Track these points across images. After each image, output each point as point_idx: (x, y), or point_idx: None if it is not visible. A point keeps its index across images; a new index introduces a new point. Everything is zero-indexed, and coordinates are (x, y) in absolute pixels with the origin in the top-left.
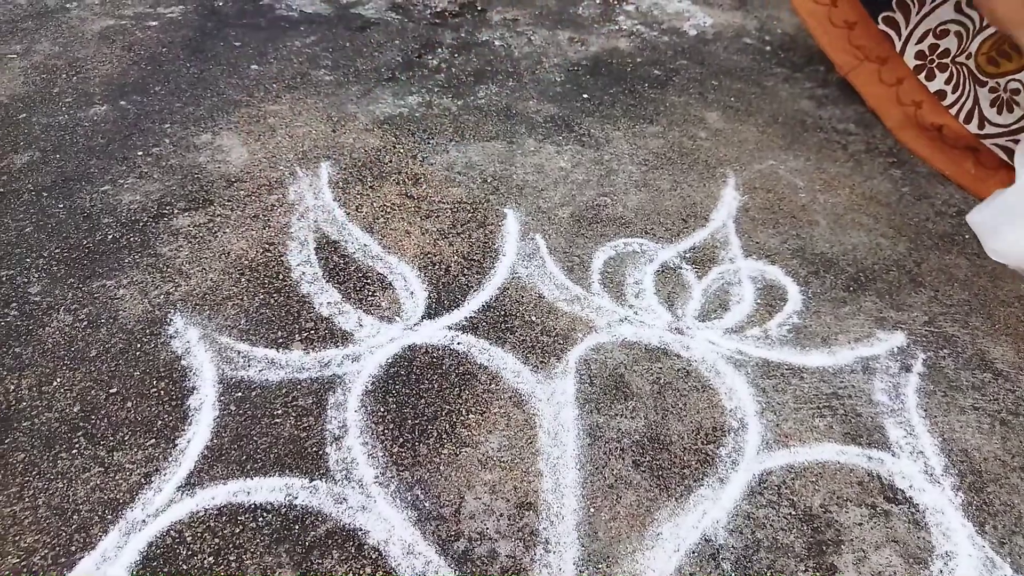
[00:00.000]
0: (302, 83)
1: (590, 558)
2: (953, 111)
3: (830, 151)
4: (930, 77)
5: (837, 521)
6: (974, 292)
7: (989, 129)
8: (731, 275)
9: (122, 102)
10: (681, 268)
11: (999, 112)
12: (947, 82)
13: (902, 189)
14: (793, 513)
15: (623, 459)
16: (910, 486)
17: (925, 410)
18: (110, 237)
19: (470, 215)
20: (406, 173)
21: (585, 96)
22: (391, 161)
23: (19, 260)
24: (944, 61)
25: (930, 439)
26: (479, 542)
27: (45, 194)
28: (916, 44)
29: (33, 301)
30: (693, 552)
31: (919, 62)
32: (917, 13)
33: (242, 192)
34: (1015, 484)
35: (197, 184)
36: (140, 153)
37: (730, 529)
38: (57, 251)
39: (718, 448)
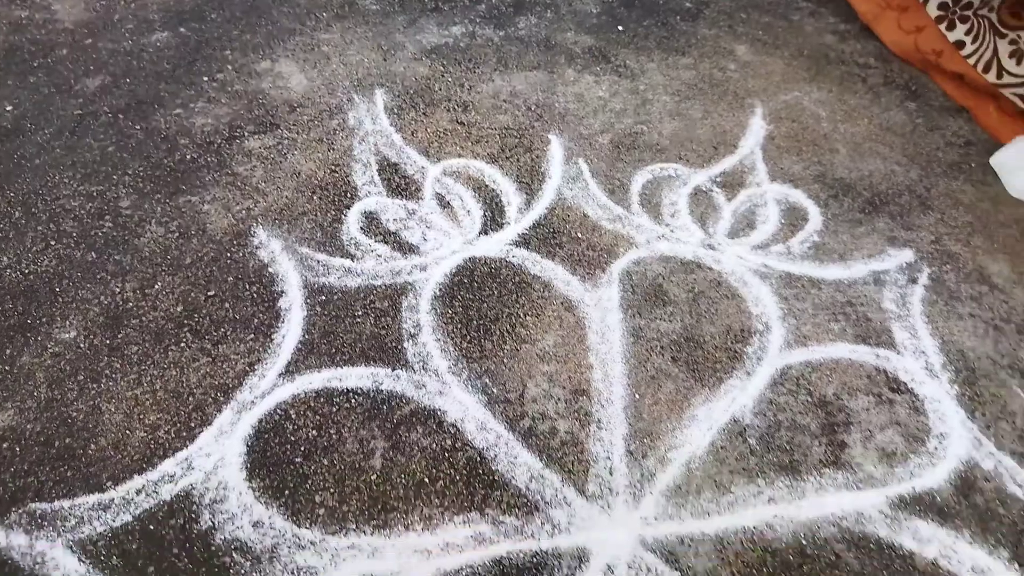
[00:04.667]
0: (350, 12)
1: (636, 434)
2: (971, 61)
3: (851, 84)
4: (951, 27)
5: (848, 407)
6: (977, 215)
7: (1008, 79)
8: (758, 198)
9: (181, 29)
10: (712, 191)
11: (1018, 63)
12: (967, 33)
13: (916, 120)
14: (810, 400)
15: (663, 355)
16: (912, 379)
17: (928, 316)
18: (188, 157)
19: (517, 140)
20: (455, 101)
21: (620, 28)
22: (441, 89)
23: (106, 176)
24: (966, 13)
25: (931, 341)
26: (541, 421)
27: (121, 116)
28: None
29: (125, 214)
30: (724, 430)
31: (941, 12)
32: None
33: (305, 117)
34: (1003, 379)
35: (263, 109)
36: (206, 79)
37: (755, 412)
38: (141, 169)
39: (745, 347)
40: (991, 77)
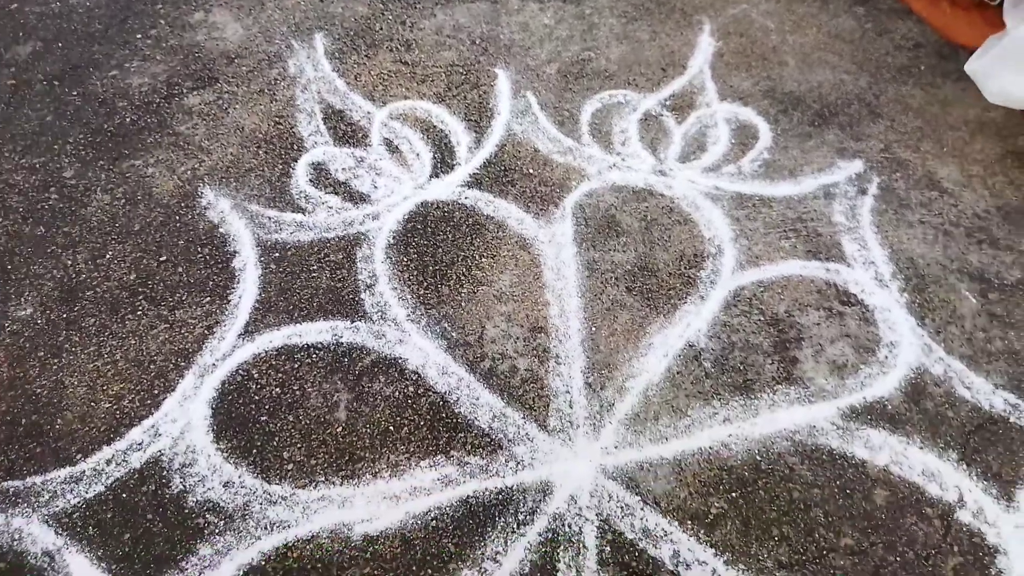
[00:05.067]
0: None
1: (594, 366)
2: None
3: None
4: None
5: (799, 323)
6: (926, 119)
7: None
8: (708, 118)
9: None
10: (662, 115)
11: None
12: None
13: (865, 26)
14: (762, 319)
15: (618, 286)
16: (862, 291)
17: (877, 226)
18: (128, 120)
19: (463, 77)
20: (398, 40)
21: None
22: (382, 29)
23: (47, 147)
24: None
25: (881, 251)
26: (501, 361)
27: (57, 83)
28: None
29: (69, 184)
30: (679, 356)
31: None
32: None
33: (244, 68)
34: (952, 284)
35: (200, 63)
36: (139, 36)
37: (710, 336)
38: (81, 136)
39: (699, 271)
40: None
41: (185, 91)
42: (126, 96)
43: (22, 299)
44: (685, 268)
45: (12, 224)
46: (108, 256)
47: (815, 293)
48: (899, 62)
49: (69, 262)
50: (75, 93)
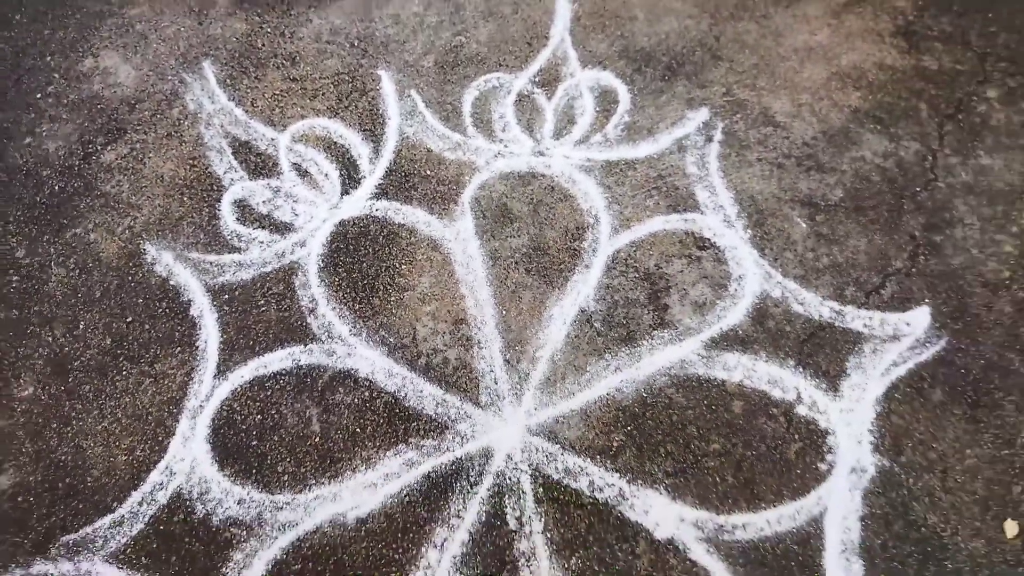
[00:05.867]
0: None
1: (509, 345)
2: None
3: None
4: None
5: (667, 274)
6: (761, 55)
7: None
8: (573, 89)
9: None
10: (534, 93)
11: None
12: None
13: None
14: (637, 276)
15: (518, 270)
16: (714, 234)
17: (723, 171)
18: (57, 188)
19: (350, 85)
20: (282, 55)
21: None
22: (264, 45)
23: None
24: None
25: (727, 194)
26: (434, 355)
27: None
28: None
29: (25, 264)
30: (575, 321)
31: None
32: None
33: (147, 112)
34: (786, 213)
35: (104, 115)
36: (39, 96)
37: (597, 299)
38: (19, 213)
39: (582, 243)
40: None
41: (99, 147)
42: (47, 163)
43: (21, 380)
44: (570, 242)
45: None
46: (82, 326)
47: (677, 244)
48: None
49: (50, 338)
50: None
